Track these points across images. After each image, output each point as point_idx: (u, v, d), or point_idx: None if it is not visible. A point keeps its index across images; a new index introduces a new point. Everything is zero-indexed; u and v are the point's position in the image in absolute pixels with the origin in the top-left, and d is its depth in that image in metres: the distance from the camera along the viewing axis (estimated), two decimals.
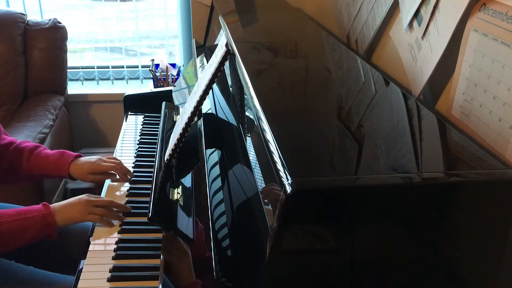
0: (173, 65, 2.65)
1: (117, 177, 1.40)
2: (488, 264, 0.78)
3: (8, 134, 1.48)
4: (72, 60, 2.66)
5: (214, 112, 1.33)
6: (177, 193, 1.19)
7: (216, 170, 1.07)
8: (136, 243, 1.19)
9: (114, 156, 1.58)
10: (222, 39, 1.25)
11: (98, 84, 2.78)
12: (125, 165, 1.50)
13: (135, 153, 1.58)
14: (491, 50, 0.85)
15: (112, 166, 1.39)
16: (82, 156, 1.42)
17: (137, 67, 2.80)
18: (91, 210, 1.20)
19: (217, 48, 1.22)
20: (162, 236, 1.19)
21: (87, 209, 1.19)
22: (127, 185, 1.40)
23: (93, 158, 1.41)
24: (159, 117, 1.56)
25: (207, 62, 1.38)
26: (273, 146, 0.77)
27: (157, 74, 2.56)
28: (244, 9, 1.79)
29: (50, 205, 1.19)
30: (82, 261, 1.13)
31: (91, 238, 1.19)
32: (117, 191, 1.39)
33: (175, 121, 1.49)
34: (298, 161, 0.77)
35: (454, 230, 0.75)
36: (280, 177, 0.69)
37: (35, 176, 1.42)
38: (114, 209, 1.24)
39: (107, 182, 1.41)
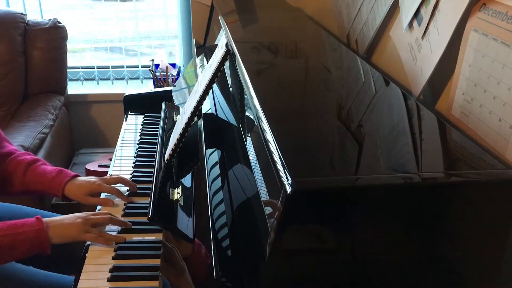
0: (173, 65, 2.65)
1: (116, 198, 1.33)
2: (488, 264, 0.78)
3: (11, 142, 1.44)
4: (72, 60, 2.67)
5: (214, 112, 1.33)
6: (177, 193, 1.19)
7: (216, 170, 1.07)
8: (136, 243, 1.19)
9: (114, 156, 1.58)
10: (222, 39, 1.25)
11: (98, 84, 2.78)
12: (125, 165, 1.50)
13: (135, 153, 1.58)
14: (491, 50, 0.85)
15: (113, 190, 1.31)
16: (79, 176, 1.33)
17: (137, 67, 2.80)
18: (88, 229, 1.15)
19: (217, 48, 1.22)
20: (162, 237, 1.19)
21: (84, 228, 1.14)
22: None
23: (92, 178, 1.32)
24: (159, 117, 1.56)
25: (207, 62, 1.38)
26: (273, 146, 0.77)
27: (157, 74, 2.56)
28: (244, 9, 1.79)
29: (45, 220, 1.14)
30: (82, 261, 1.13)
31: None
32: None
33: (175, 121, 1.49)
34: (298, 161, 0.77)
35: (454, 230, 0.75)
36: (280, 177, 0.69)
37: (31, 191, 1.36)
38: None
39: None
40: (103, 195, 1.33)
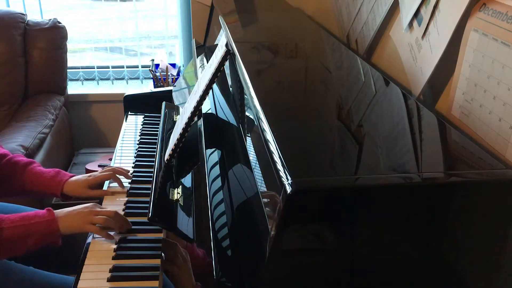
0: (173, 65, 2.65)
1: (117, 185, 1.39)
2: (488, 264, 0.78)
3: (9, 142, 1.46)
4: (72, 60, 2.66)
5: (214, 112, 1.33)
6: (177, 193, 1.19)
7: (216, 170, 1.07)
8: (136, 243, 1.19)
9: (114, 156, 1.59)
10: (222, 39, 1.25)
11: (98, 84, 2.78)
12: (125, 165, 1.50)
13: (135, 153, 1.58)
14: (491, 50, 0.85)
15: (108, 174, 1.36)
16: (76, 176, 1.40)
17: (137, 67, 2.80)
18: (92, 219, 1.17)
19: (217, 48, 1.22)
20: (162, 237, 1.19)
21: (89, 219, 1.17)
22: (127, 185, 1.40)
23: (86, 174, 1.39)
24: (159, 117, 1.56)
25: (207, 62, 1.38)
26: (273, 146, 0.77)
27: (157, 74, 2.56)
28: (244, 9, 1.79)
29: (55, 211, 1.17)
30: (82, 261, 1.13)
31: (91, 238, 1.20)
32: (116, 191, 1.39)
33: (175, 121, 1.49)
34: (298, 161, 0.77)
35: (454, 230, 0.75)
36: (280, 177, 0.69)
37: (28, 192, 1.39)
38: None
39: (107, 182, 1.41)
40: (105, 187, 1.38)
